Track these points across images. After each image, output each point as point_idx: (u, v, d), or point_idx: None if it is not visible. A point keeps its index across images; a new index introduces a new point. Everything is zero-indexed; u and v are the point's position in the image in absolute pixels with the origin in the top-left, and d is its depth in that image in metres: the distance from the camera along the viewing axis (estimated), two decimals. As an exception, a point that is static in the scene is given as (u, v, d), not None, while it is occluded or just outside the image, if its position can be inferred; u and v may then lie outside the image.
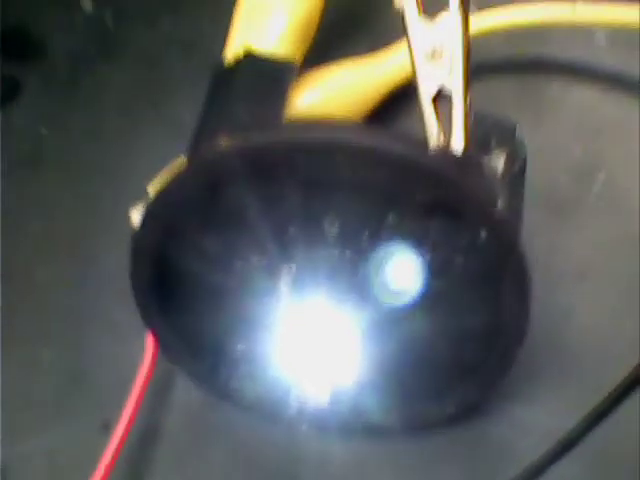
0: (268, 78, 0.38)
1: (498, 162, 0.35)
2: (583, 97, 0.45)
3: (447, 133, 0.35)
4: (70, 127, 0.49)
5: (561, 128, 0.44)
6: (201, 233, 0.34)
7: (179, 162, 0.35)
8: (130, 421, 0.37)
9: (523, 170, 0.36)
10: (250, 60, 0.39)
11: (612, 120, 0.44)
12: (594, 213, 0.42)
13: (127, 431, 0.37)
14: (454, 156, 0.33)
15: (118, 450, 0.37)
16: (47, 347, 0.43)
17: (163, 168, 0.38)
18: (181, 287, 0.36)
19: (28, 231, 0.46)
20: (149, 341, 0.38)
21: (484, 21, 0.43)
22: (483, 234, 0.32)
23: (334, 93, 0.43)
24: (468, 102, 0.35)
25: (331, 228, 0.33)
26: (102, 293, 0.43)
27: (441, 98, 0.36)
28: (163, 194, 0.32)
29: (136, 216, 0.42)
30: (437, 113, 0.35)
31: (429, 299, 0.34)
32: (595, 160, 0.43)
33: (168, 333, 0.37)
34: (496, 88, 0.45)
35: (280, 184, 0.32)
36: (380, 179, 0.31)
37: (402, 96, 0.43)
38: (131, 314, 0.37)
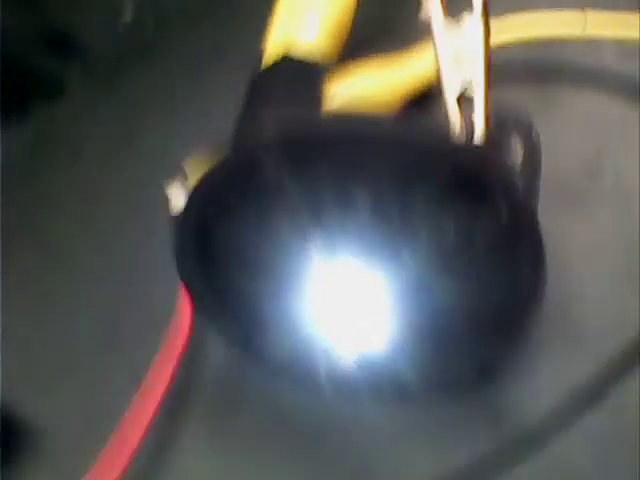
0: (304, 79, 0.42)
1: (516, 153, 0.38)
2: (592, 102, 0.48)
3: (470, 130, 0.38)
4: (109, 124, 0.52)
5: (571, 130, 0.47)
6: (240, 205, 0.37)
7: (218, 147, 0.37)
8: (167, 387, 0.40)
9: (539, 161, 0.39)
10: (287, 62, 0.43)
11: (624, 119, 0.47)
12: (603, 206, 0.45)
13: (162, 396, 0.39)
14: (477, 146, 0.36)
15: (156, 411, 0.39)
16: (83, 306, 0.46)
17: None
18: (218, 250, 0.39)
19: (68, 212, 0.49)
20: (185, 309, 0.41)
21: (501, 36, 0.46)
22: (504, 213, 0.35)
23: (364, 94, 0.45)
24: (489, 101, 0.39)
25: (364, 203, 0.36)
26: (142, 262, 0.46)
27: (464, 99, 0.39)
28: (208, 177, 0.36)
29: (172, 193, 0.45)
30: (462, 112, 0.39)
31: (453, 269, 0.37)
32: (605, 157, 0.46)
33: (205, 296, 0.40)
34: (508, 93, 0.47)
35: (318, 168, 0.35)
36: (411, 165, 0.35)
37: (425, 97, 0.46)
38: (172, 282, 0.40)
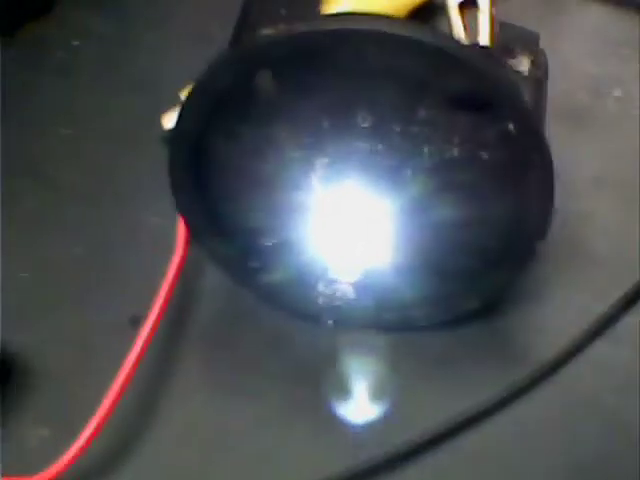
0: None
1: (523, 65, 0.36)
2: (602, 15, 0.47)
3: (473, 37, 0.36)
4: (100, 38, 0.50)
5: (579, 45, 0.46)
6: (238, 120, 0.35)
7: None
8: (161, 311, 0.38)
9: (545, 76, 0.38)
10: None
11: (630, 38, 0.46)
12: (609, 126, 0.44)
13: (158, 320, 0.38)
14: (482, 51, 0.34)
15: (149, 338, 0.38)
16: (78, 240, 0.44)
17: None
18: (215, 173, 0.37)
19: (61, 134, 0.47)
20: (180, 234, 0.39)
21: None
22: (511, 125, 0.33)
23: (365, 3, 0.43)
24: (493, 8, 0.37)
25: (364, 122, 0.34)
26: (132, 188, 0.45)
27: (467, 9, 0.38)
28: (205, 77, 0.33)
29: (167, 121, 0.43)
30: (464, 20, 0.37)
31: (456, 191, 0.36)
32: (611, 77, 0.45)
33: (200, 219, 0.38)
34: (515, 5, 0.45)
35: (317, 75, 0.33)
36: (413, 70, 0.33)
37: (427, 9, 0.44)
38: (164, 209, 0.38)
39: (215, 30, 0.39)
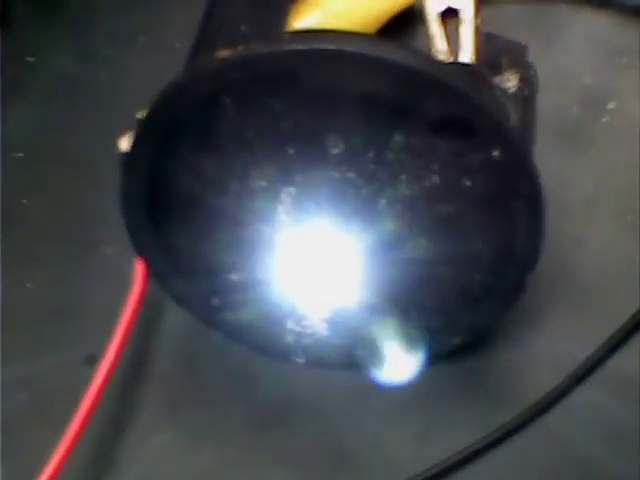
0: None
1: (510, 82, 0.34)
2: (594, 25, 0.44)
3: (455, 51, 0.33)
4: (58, 54, 0.48)
5: (572, 56, 0.43)
6: (197, 152, 0.33)
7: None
8: (119, 349, 0.36)
9: (535, 92, 0.35)
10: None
11: (623, 48, 0.43)
12: (603, 142, 0.41)
13: (116, 360, 0.36)
14: (464, 70, 0.32)
15: (106, 379, 0.36)
16: (33, 276, 0.42)
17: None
18: (174, 208, 0.34)
19: (16, 158, 0.45)
20: (139, 270, 0.36)
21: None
22: (495, 152, 0.30)
23: (335, 17, 0.41)
24: (478, 19, 0.34)
25: (334, 148, 0.32)
26: (91, 225, 0.43)
27: (449, 19, 0.35)
28: (159, 104, 0.31)
29: (125, 144, 0.41)
30: (445, 30, 0.34)
31: (435, 223, 0.33)
32: (605, 89, 0.42)
33: (159, 257, 0.36)
34: (506, 15, 0.44)
35: (281, 99, 0.30)
36: (387, 93, 0.30)
37: (406, 18, 0.42)
38: (120, 247, 0.36)
39: (181, 45, 0.36)
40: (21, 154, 0.45)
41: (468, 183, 0.32)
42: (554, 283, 0.39)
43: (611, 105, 0.42)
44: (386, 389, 0.37)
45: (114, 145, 0.38)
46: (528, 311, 0.38)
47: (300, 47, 0.29)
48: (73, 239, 0.42)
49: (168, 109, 0.31)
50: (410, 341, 0.36)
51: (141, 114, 0.35)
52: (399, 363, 0.37)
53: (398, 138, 0.31)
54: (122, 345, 0.36)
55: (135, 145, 0.32)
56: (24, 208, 0.43)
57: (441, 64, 0.31)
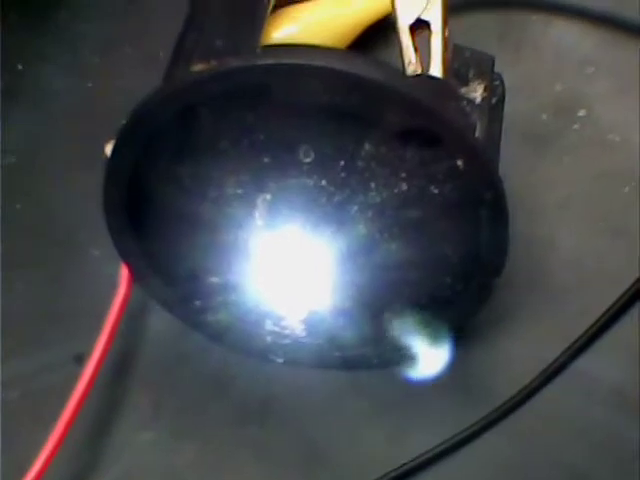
0: (244, 5, 0.37)
1: (476, 92, 0.35)
2: (565, 33, 0.45)
3: (424, 62, 0.34)
4: (46, 62, 0.48)
5: (542, 64, 0.44)
6: (175, 160, 0.34)
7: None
8: (105, 350, 0.37)
9: (501, 101, 0.36)
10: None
11: (593, 56, 0.44)
12: (574, 148, 0.42)
13: (101, 359, 0.37)
14: (431, 83, 0.33)
15: (93, 378, 0.36)
16: (21, 278, 0.42)
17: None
18: (155, 215, 0.36)
19: (3, 164, 0.45)
20: (123, 273, 0.37)
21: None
22: (460, 161, 0.31)
23: (311, 27, 0.42)
24: (447, 31, 0.35)
25: (306, 157, 0.33)
26: (78, 229, 0.43)
27: (419, 30, 0.36)
28: (137, 115, 0.32)
29: (110, 150, 0.42)
30: (414, 42, 0.35)
31: (405, 228, 0.34)
32: (576, 96, 0.43)
33: (142, 261, 0.37)
34: (476, 24, 0.45)
35: (254, 110, 0.32)
36: (355, 105, 0.31)
37: (379, 29, 0.43)
38: (107, 250, 0.37)
39: (163, 53, 0.37)
40: (13, 159, 0.46)
41: (435, 190, 0.33)
42: (525, 285, 0.40)
43: (581, 112, 0.43)
44: (360, 389, 0.38)
45: (100, 151, 0.39)
46: (499, 312, 0.39)
47: (270, 62, 0.30)
48: (61, 243, 0.43)
49: (145, 119, 0.32)
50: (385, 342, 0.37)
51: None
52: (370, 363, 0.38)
53: (367, 147, 0.32)
54: (108, 344, 0.37)
55: (115, 152, 0.33)
56: (15, 212, 0.44)
57: (407, 77, 0.32)
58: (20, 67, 0.48)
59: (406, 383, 0.38)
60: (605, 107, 0.42)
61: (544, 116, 0.43)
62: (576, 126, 0.42)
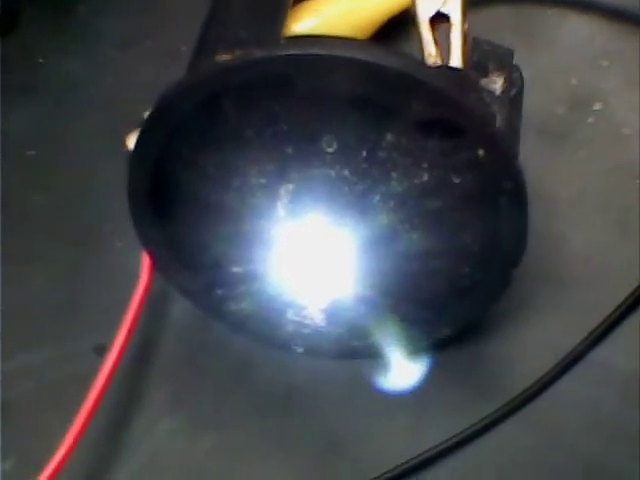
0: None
1: (496, 84, 0.35)
2: (579, 27, 0.45)
3: (444, 55, 0.35)
4: (66, 56, 0.49)
5: (557, 58, 0.44)
6: (199, 149, 0.34)
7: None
8: (126, 340, 0.37)
9: (520, 94, 0.36)
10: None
11: (608, 50, 0.44)
12: (589, 142, 0.42)
13: (123, 350, 0.37)
14: (451, 74, 0.33)
15: (114, 369, 0.37)
16: (43, 270, 0.43)
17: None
18: (178, 203, 0.36)
19: (25, 157, 0.46)
20: (145, 263, 0.38)
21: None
22: (481, 151, 0.32)
23: (331, 20, 0.43)
24: (466, 24, 0.35)
25: (328, 147, 0.33)
26: (100, 221, 0.44)
27: (439, 23, 0.36)
28: (162, 104, 0.32)
29: (132, 142, 0.42)
30: (434, 35, 0.35)
31: (426, 218, 0.34)
32: (591, 90, 0.43)
33: (164, 251, 0.37)
34: (492, 18, 0.45)
35: (278, 100, 0.32)
36: (377, 95, 0.31)
37: (400, 23, 0.43)
38: (128, 239, 0.37)
39: (184, 47, 0.38)
40: (33, 152, 0.46)
41: (456, 180, 0.33)
42: (541, 276, 0.40)
43: (596, 106, 0.43)
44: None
45: (121, 144, 0.39)
46: (516, 303, 0.39)
47: (294, 52, 0.31)
48: (83, 235, 0.43)
49: (170, 109, 0.32)
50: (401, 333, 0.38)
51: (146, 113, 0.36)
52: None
53: (389, 138, 0.32)
54: (129, 335, 0.37)
55: (139, 143, 0.33)
56: (36, 205, 0.45)
57: (428, 67, 0.33)
58: (41, 60, 0.49)
59: (424, 373, 0.38)
60: (619, 100, 0.43)
61: (559, 110, 0.43)
62: (591, 120, 0.43)
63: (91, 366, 0.37)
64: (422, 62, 0.33)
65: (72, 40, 0.49)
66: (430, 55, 0.35)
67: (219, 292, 0.38)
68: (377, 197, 0.34)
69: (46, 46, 0.49)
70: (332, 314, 0.38)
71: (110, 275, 0.42)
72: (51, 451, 0.35)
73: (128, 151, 0.40)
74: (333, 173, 0.34)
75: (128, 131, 0.40)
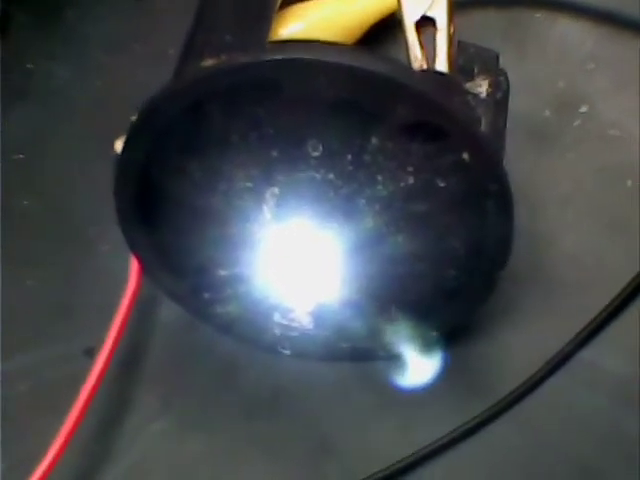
0: (252, 3, 0.38)
1: (481, 87, 0.35)
2: (568, 31, 0.45)
3: (430, 58, 0.35)
4: (56, 61, 0.49)
5: (546, 61, 0.44)
6: (185, 154, 0.34)
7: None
8: (115, 342, 0.37)
9: (506, 97, 0.36)
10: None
11: (595, 53, 0.44)
12: (576, 144, 0.42)
13: (112, 352, 0.37)
14: (437, 77, 0.33)
15: (103, 371, 0.37)
16: (31, 273, 0.43)
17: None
18: (165, 208, 0.36)
19: (14, 160, 0.46)
20: (134, 267, 0.38)
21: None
22: (466, 154, 0.32)
23: (318, 24, 0.43)
24: (452, 27, 0.36)
25: (314, 151, 0.33)
26: (87, 225, 0.44)
27: (425, 27, 0.36)
28: (148, 109, 0.32)
29: (120, 146, 0.42)
30: (420, 39, 0.36)
31: (411, 221, 0.34)
32: (578, 93, 0.43)
33: (151, 254, 0.37)
34: (480, 21, 0.45)
35: (263, 105, 0.32)
36: (362, 99, 0.31)
37: (387, 26, 0.44)
38: (116, 245, 0.37)
39: (173, 51, 0.37)
40: (21, 155, 0.46)
41: (441, 184, 0.33)
42: (528, 278, 0.40)
43: (583, 109, 0.43)
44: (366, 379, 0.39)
45: (110, 148, 0.40)
46: (504, 305, 0.39)
47: (279, 57, 0.31)
48: (71, 238, 0.44)
49: (156, 114, 0.32)
50: (388, 336, 0.38)
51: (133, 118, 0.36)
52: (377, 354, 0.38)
53: (374, 141, 0.32)
54: (118, 338, 0.37)
55: (125, 147, 0.34)
56: (25, 208, 0.45)
57: (413, 71, 0.33)
58: (29, 66, 0.49)
59: (412, 375, 0.39)
60: (606, 103, 0.43)
61: (546, 112, 0.43)
62: (578, 122, 0.43)
63: (82, 368, 0.37)
64: (407, 66, 0.33)
65: (61, 45, 0.49)
66: (416, 59, 0.35)
67: (206, 295, 0.38)
68: (363, 200, 0.34)
69: (35, 51, 0.49)
70: (319, 317, 0.38)
71: (98, 279, 0.42)
72: (43, 452, 0.36)
73: (116, 155, 0.41)
74: (319, 177, 0.34)
75: (117, 135, 0.40)
